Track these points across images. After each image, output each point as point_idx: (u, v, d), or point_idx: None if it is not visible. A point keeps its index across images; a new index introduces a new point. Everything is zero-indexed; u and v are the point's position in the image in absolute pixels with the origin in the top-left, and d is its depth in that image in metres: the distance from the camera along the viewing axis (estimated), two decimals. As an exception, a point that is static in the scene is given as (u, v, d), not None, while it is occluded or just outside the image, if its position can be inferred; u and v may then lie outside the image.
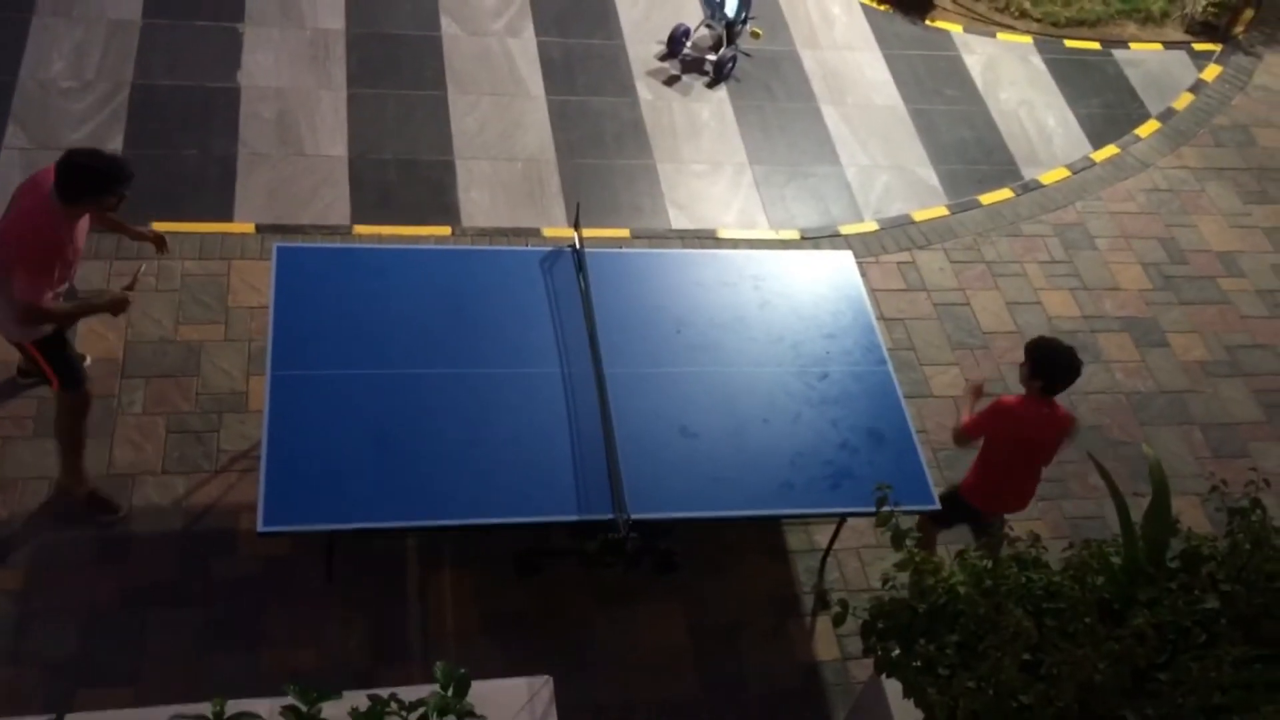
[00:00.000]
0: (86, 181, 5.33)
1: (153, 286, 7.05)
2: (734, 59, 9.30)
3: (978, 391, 6.09)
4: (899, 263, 8.25)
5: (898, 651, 4.64)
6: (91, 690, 5.53)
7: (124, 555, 6.02)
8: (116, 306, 5.76)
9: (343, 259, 6.48)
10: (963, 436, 5.92)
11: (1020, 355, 5.89)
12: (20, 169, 7.46)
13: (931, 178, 8.94)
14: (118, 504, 6.15)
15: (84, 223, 5.59)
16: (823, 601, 4.84)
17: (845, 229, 8.40)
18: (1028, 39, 10.42)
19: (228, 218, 7.57)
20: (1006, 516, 6.63)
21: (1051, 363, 5.69)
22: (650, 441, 5.87)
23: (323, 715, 3.64)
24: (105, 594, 5.87)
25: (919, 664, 4.54)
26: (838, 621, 4.68)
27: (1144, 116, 9.87)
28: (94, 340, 6.76)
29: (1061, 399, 5.90)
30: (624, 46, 9.41)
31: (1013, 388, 7.50)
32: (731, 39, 9.28)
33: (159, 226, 7.21)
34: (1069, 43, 10.47)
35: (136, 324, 6.89)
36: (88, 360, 6.65)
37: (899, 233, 8.47)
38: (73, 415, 5.92)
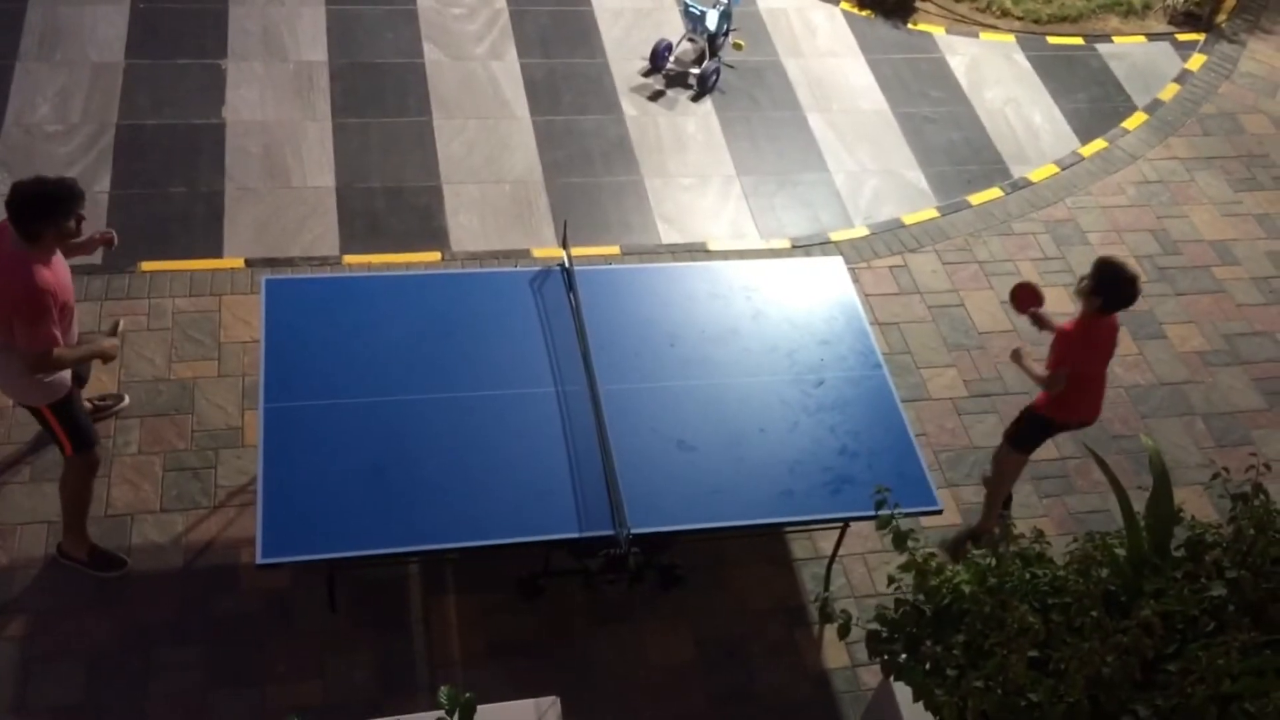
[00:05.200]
0: (41, 209, 5.09)
1: (145, 326, 7.05)
2: (718, 71, 9.30)
3: (1020, 356, 6.25)
4: (891, 267, 8.23)
5: (904, 656, 4.62)
6: (98, 734, 5.51)
7: (125, 595, 5.99)
8: (105, 356, 5.74)
9: (332, 289, 6.46)
10: (1055, 380, 6.04)
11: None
12: (7, 215, 7.48)
13: (920, 180, 8.92)
14: (121, 558, 6.09)
15: (62, 266, 5.37)
16: (826, 613, 4.82)
17: (836, 235, 8.39)
18: (1010, 38, 10.42)
19: (217, 254, 7.56)
20: (1006, 512, 6.67)
21: (1114, 282, 5.86)
22: (648, 456, 5.85)
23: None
24: (108, 635, 5.84)
25: (927, 666, 4.52)
26: (842, 634, 4.67)
27: (1130, 109, 9.87)
28: (90, 382, 6.71)
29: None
30: (607, 65, 9.41)
31: (1010, 386, 7.50)
32: (714, 51, 9.29)
33: (149, 266, 7.34)
34: (1052, 39, 10.47)
35: (130, 364, 6.88)
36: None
37: (890, 236, 8.45)
38: (83, 477, 5.84)
